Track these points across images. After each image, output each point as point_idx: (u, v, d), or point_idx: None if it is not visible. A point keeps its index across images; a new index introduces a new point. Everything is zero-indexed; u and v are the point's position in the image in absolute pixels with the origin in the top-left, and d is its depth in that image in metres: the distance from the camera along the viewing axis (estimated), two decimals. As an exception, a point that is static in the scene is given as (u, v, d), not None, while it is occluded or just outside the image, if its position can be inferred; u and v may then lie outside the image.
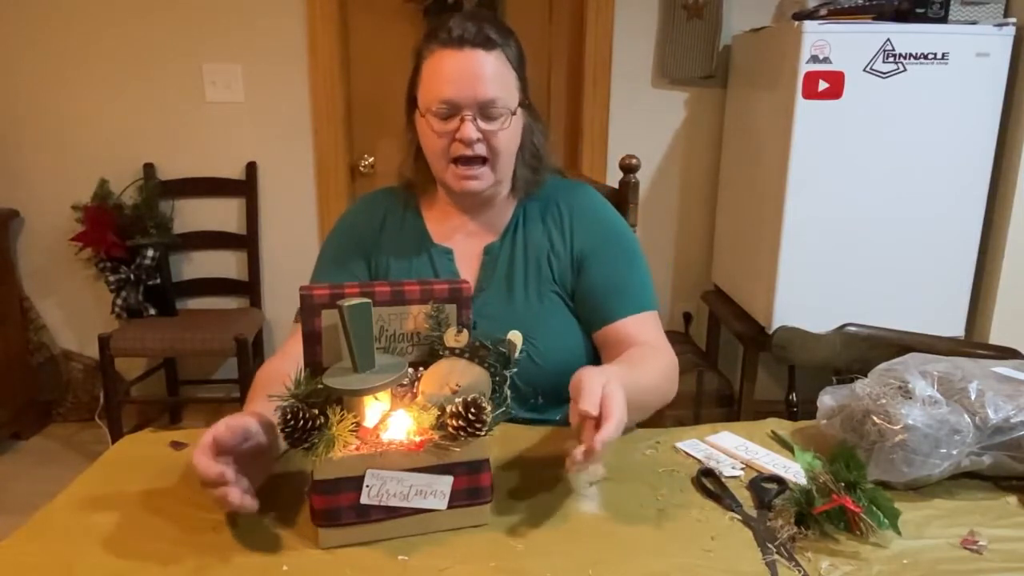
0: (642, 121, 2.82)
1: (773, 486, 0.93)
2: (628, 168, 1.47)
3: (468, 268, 1.21)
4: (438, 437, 0.81)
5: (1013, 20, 2.18)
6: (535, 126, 1.21)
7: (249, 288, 2.86)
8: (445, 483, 0.82)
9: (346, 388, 0.83)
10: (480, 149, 1.10)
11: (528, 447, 1.04)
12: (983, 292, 2.42)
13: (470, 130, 1.08)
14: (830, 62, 2.15)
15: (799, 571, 0.78)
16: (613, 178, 1.85)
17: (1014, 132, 2.29)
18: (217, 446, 0.81)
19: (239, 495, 0.80)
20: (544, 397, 1.15)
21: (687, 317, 3.00)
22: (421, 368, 0.90)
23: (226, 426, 0.83)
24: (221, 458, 0.81)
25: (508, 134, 1.12)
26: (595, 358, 1.19)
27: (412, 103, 1.17)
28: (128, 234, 2.63)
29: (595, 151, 2.83)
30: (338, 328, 0.86)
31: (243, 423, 0.84)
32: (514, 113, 1.13)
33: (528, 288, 1.18)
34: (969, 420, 0.92)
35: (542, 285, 1.18)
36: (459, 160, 1.11)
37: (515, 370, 0.90)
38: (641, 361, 1.07)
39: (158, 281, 2.69)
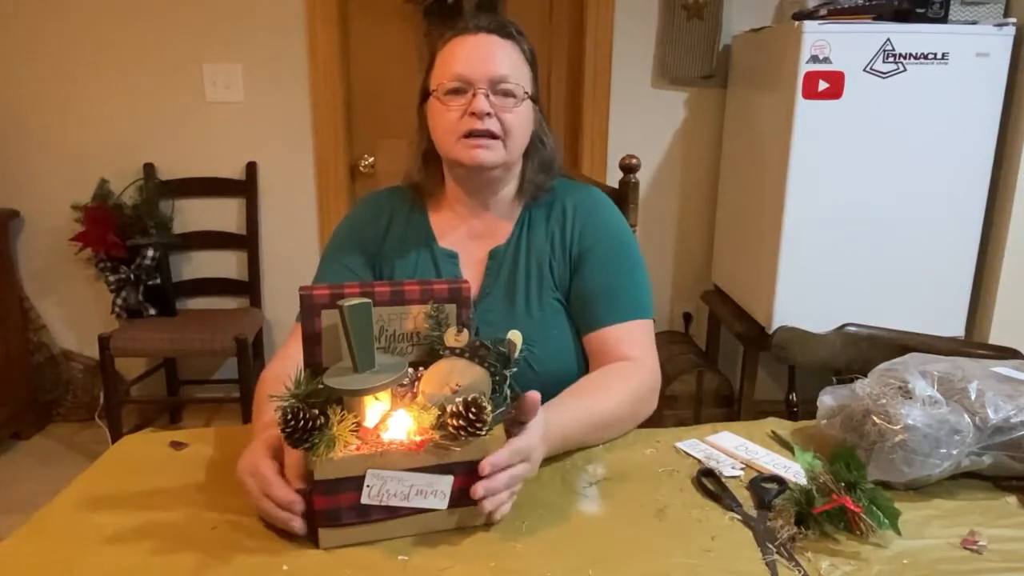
0: (642, 121, 2.82)
1: (773, 486, 0.93)
2: (628, 168, 1.47)
3: (473, 273, 1.20)
4: (438, 437, 0.81)
5: (1013, 20, 2.18)
6: (545, 130, 1.21)
7: (249, 288, 2.86)
8: (445, 483, 0.82)
9: (346, 388, 0.83)
10: (491, 124, 1.10)
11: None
12: (983, 292, 2.42)
13: (482, 102, 1.09)
14: (830, 62, 2.15)
15: (799, 571, 0.78)
16: (613, 178, 1.85)
17: (1014, 132, 2.29)
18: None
19: (302, 524, 0.82)
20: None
21: (687, 317, 3.00)
22: (421, 368, 0.90)
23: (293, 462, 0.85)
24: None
25: (519, 117, 1.13)
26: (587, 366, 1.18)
27: (423, 99, 1.18)
28: (128, 234, 2.63)
29: (595, 151, 2.83)
30: (338, 328, 0.86)
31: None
32: (528, 95, 1.14)
33: (530, 295, 1.18)
34: (969, 420, 0.92)
35: (543, 292, 1.18)
36: (470, 135, 1.11)
37: (515, 370, 0.90)
38: (601, 388, 1.07)
39: (158, 281, 2.69)
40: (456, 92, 1.11)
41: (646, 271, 1.21)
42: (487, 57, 1.11)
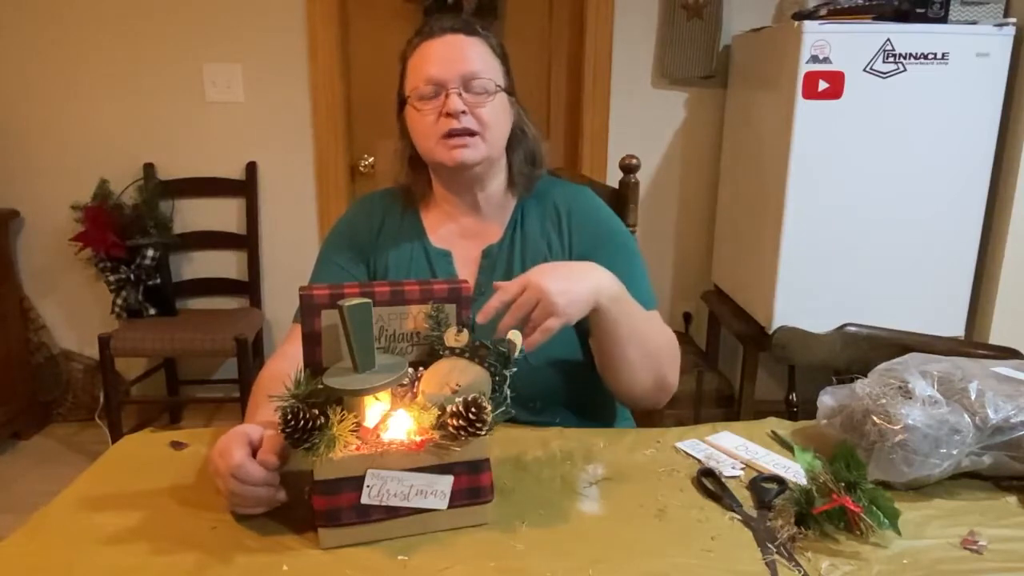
0: (642, 121, 2.82)
1: (773, 486, 0.93)
2: (628, 168, 1.47)
3: (467, 271, 1.21)
4: (438, 437, 0.81)
5: (1013, 20, 2.18)
6: (526, 120, 1.22)
7: (249, 288, 2.86)
8: (445, 483, 0.82)
9: (346, 388, 0.83)
10: (468, 122, 1.11)
11: (528, 447, 1.04)
12: (983, 292, 2.42)
13: (455, 101, 1.10)
14: (830, 62, 2.15)
15: (799, 571, 0.78)
16: (613, 178, 1.85)
17: (1014, 132, 2.29)
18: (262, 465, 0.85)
19: (283, 493, 0.86)
20: (542, 401, 1.15)
21: (687, 317, 3.00)
22: (421, 368, 0.90)
23: (270, 450, 0.86)
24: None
25: (494, 110, 1.13)
26: (591, 361, 1.18)
27: (401, 106, 1.19)
28: (128, 234, 2.63)
29: (595, 151, 2.83)
30: (338, 328, 0.86)
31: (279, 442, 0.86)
32: (500, 89, 1.14)
33: None
34: (969, 420, 0.92)
35: None
36: (449, 135, 1.12)
37: (515, 369, 0.90)
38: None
39: (158, 281, 2.69)
40: (429, 96, 1.12)
41: (645, 265, 1.22)
42: (455, 56, 1.12)
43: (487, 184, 1.21)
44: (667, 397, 1.14)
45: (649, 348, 1.08)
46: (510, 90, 1.19)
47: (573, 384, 1.17)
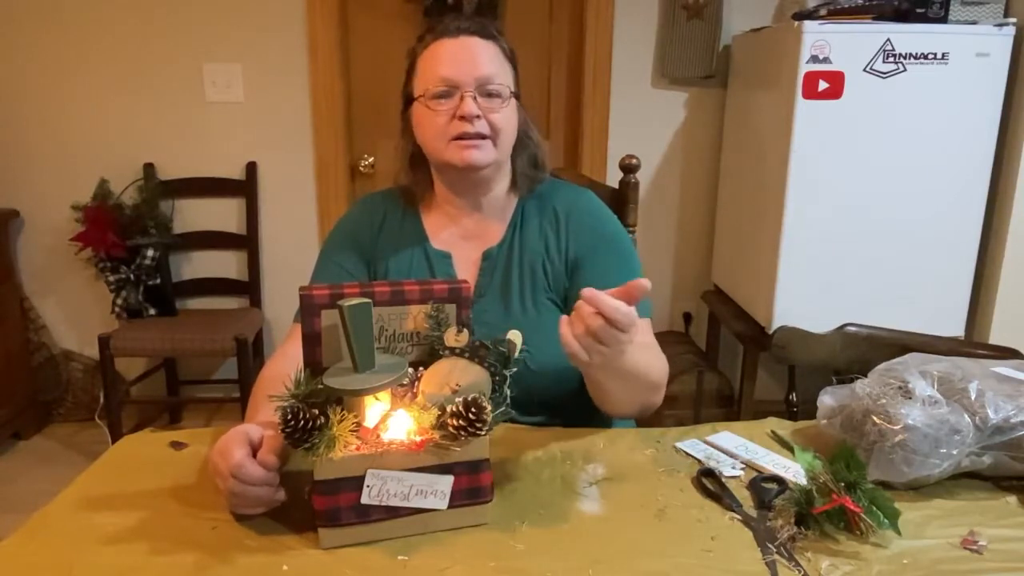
0: (642, 121, 2.82)
1: (773, 486, 0.93)
2: (628, 168, 1.47)
3: (467, 273, 1.21)
4: (438, 437, 0.81)
5: (1013, 20, 2.18)
6: (530, 125, 1.22)
7: (249, 288, 2.86)
8: (445, 483, 0.82)
9: (346, 388, 0.83)
10: (481, 126, 1.11)
11: (528, 447, 1.04)
12: (983, 292, 2.42)
13: (470, 105, 1.09)
14: (830, 62, 2.15)
15: (799, 571, 0.78)
16: (613, 178, 1.85)
17: (1014, 132, 2.29)
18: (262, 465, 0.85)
19: (282, 493, 0.86)
20: (541, 404, 1.15)
21: (687, 317, 3.00)
22: (421, 368, 0.90)
23: (270, 451, 0.86)
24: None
25: (506, 115, 1.14)
26: None
27: (407, 105, 1.19)
28: (128, 234, 2.63)
29: (595, 151, 2.83)
30: (338, 328, 0.86)
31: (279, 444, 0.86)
32: (513, 94, 1.14)
33: (524, 295, 1.18)
34: (969, 420, 0.92)
35: (537, 292, 1.18)
36: (460, 137, 1.11)
37: (515, 369, 0.90)
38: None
39: (158, 281, 2.69)
40: (442, 96, 1.11)
41: (642, 271, 1.22)
42: (471, 58, 1.11)
43: (492, 187, 1.21)
44: (649, 413, 1.14)
45: (638, 383, 1.07)
46: (518, 95, 1.19)
47: (575, 391, 1.17)
